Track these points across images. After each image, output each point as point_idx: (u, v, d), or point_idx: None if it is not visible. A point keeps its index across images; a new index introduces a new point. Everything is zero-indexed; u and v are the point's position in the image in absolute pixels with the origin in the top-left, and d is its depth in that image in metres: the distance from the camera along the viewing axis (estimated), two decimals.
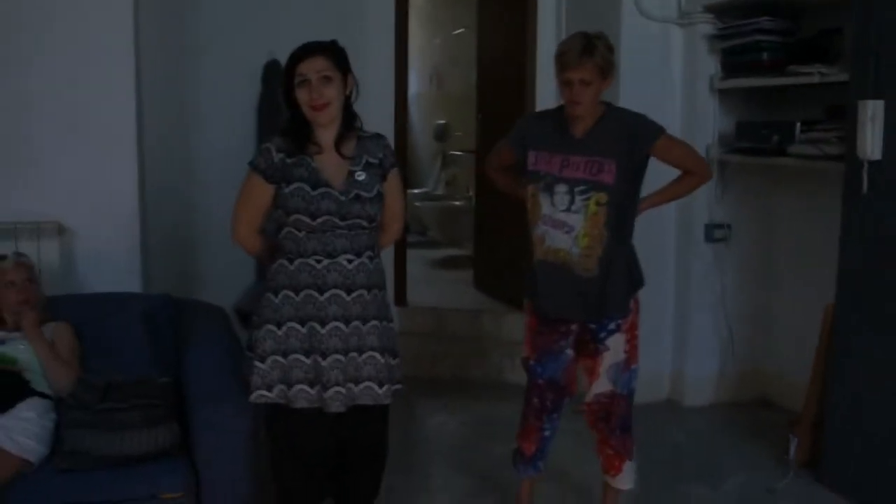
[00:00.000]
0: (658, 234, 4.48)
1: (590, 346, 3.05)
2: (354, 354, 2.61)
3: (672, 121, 4.44)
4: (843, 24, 3.81)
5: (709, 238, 4.55)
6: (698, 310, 4.60)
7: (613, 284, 2.93)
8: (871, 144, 3.31)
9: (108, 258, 3.70)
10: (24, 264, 3.18)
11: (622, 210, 2.90)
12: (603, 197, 2.86)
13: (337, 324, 2.58)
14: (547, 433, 3.20)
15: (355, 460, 2.79)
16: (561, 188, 2.91)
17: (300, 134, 2.61)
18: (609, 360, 3.03)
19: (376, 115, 4.91)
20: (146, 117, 3.89)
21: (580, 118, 2.88)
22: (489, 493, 3.58)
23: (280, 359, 2.60)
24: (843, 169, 3.52)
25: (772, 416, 4.46)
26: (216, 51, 4.59)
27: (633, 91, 4.30)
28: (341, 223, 2.56)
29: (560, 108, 3.00)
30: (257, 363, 2.61)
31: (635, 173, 2.93)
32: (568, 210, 2.90)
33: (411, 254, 6.18)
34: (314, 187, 2.55)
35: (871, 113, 3.31)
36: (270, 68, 4.66)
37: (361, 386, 2.62)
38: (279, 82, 4.48)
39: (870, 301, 3.45)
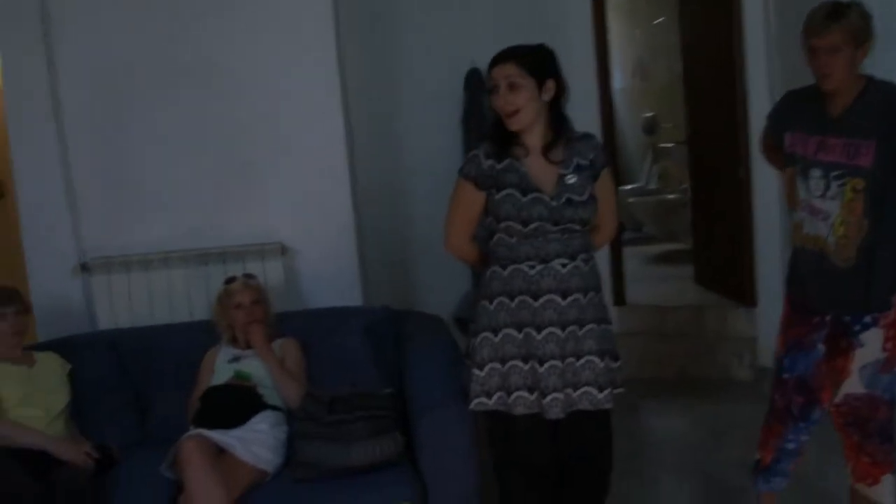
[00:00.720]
0: None
1: (842, 342, 2.73)
2: (572, 359, 2.55)
3: None
4: None
5: None
6: None
7: (875, 276, 2.63)
8: None
9: (329, 274, 3.82)
10: (251, 286, 3.33)
11: (884, 197, 2.58)
12: (860, 182, 2.56)
13: (553, 329, 2.53)
14: (791, 445, 2.89)
15: (577, 468, 2.71)
16: (816, 172, 2.65)
17: (505, 138, 2.58)
18: (863, 358, 2.69)
19: (581, 114, 4.88)
20: (355, 134, 4.00)
21: (836, 94, 2.60)
22: (721, 500, 3.42)
23: (498, 366, 2.58)
24: None
25: None
26: (418, 62, 4.67)
27: (885, 59, 3.97)
28: (553, 228, 2.51)
29: (814, 87, 2.68)
30: (475, 371, 2.59)
31: None
32: (823, 196, 2.65)
33: (627, 251, 6.04)
34: (525, 193, 2.51)
35: None
36: (472, 76, 4.69)
37: (580, 391, 2.55)
38: (482, 89, 4.58)
39: None
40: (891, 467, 2.78)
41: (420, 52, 4.66)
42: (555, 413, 2.54)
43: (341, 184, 3.83)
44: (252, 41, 3.72)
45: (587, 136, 2.65)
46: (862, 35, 2.53)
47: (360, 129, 4.10)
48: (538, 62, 2.57)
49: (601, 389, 2.56)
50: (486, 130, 2.69)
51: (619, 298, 5.25)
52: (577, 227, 2.54)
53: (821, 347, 2.78)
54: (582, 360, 2.56)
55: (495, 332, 2.58)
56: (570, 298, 2.53)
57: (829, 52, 2.51)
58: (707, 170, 5.52)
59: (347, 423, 2.78)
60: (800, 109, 2.75)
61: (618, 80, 9.25)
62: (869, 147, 2.54)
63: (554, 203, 2.50)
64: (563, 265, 2.53)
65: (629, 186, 8.16)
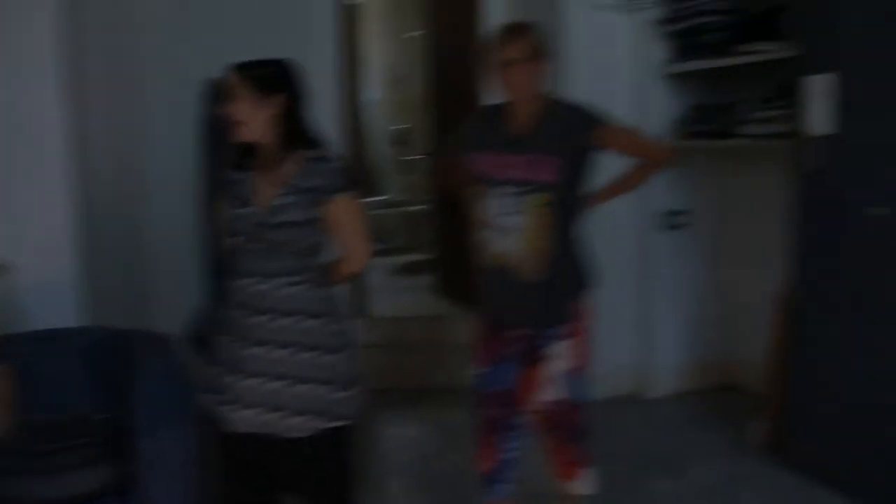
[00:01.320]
0: (617, 224, 4.40)
1: (534, 354, 2.89)
2: (278, 383, 2.49)
3: (624, 109, 4.35)
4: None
5: (668, 224, 4.48)
6: (659, 298, 4.55)
7: (556, 290, 2.80)
8: (819, 120, 3.25)
9: (50, 293, 3.56)
10: None
11: (568, 209, 2.77)
12: (545, 196, 2.71)
13: (259, 349, 2.49)
14: (507, 454, 2.97)
15: (298, 490, 2.65)
16: (503, 190, 2.76)
17: (247, 149, 2.55)
18: (554, 368, 2.88)
19: (327, 123, 4.88)
20: (88, 145, 3.77)
21: (519, 112, 2.75)
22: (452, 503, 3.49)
23: (217, 377, 2.57)
24: (794, 146, 3.46)
25: (737, 401, 4.44)
26: (158, 72, 4.47)
27: (583, 82, 4.23)
28: (262, 246, 2.47)
29: (499, 107, 2.83)
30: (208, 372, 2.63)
31: (579, 168, 2.78)
32: (510, 213, 2.75)
33: (373, 262, 6.06)
34: (240, 206, 2.50)
35: (819, 88, 3.25)
36: (212, 87, 4.55)
37: (278, 414, 2.49)
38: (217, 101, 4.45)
39: (824, 280, 3.39)
40: (587, 462, 3.02)
41: (160, 62, 4.47)
42: (246, 428, 2.50)
43: (64, 199, 3.58)
44: None
45: (323, 159, 2.52)
46: (543, 51, 2.71)
47: (93, 140, 3.86)
48: (266, 76, 2.51)
49: (302, 414, 2.49)
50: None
51: (362, 311, 5.26)
52: (285, 248, 2.48)
53: (516, 361, 2.91)
54: (283, 383, 2.49)
55: (219, 345, 2.60)
56: (280, 321, 2.48)
57: (516, 64, 2.66)
58: (451, 186, 5.64)
59: (56, 453, 2.60)
60: (485, 129, 2.89)
61: (373, 91, 9.34)
62: (552, 163, 2.69)
63: (263, 221, 2.45)
64: (276, 287, 2.48)
65: (378, 198, 8.26)
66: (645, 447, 3.99)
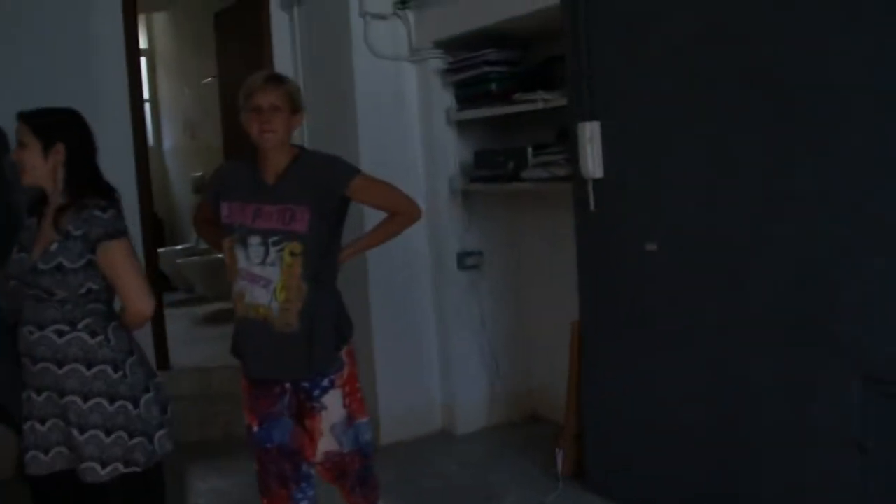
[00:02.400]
0: (413, 266, 4.54)
1: (307, 405, 2.83)
2: (69, 428, 2.57)
3: (413, 155, 4.54)
4: (565, 52, 4.00)
5: (462, 265, 4.64)
6: (459, 337, 4.68)
7: (318, 339, 2.75)
8: (592, 164, 3.48)
9: None
10: None
11: (320, 259, 2.75)
12: (297, 246, 2.69)
13: (44, 395, 2.59)
14: (304, 503, 2.92)
15: None
16: (255, 240, 2.73)
17: (36, 195, 2.66)
18: (329, 419, 2.85)
19: (117, 173, 4.75)
20: None
21: (271, 160, 2.74)
22: None
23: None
24: (572, 188, 3.68)
25: (542, 431, 4.60)
26: None
27: (371, 129, 4.36)
28: (29, 291, 2.55)
29: (253, 156, 2.82)
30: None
31: (332, 219, 2.78)
32: (263, 263, 2.72)
33: (177, 313, 5.96)
34: (20, 250, 2.60)
35: (590, 134, 3.48)
36: (2, 134, 4.35)
37: (73, 457, 2.60)
38: (5, 151, 4.27)
39: (606, 312, 3.62)
40: (374, 501, 3.05)
41: None
42: (44, 470, 2.61)
43: None
44: None
45: (97, 207, 2.55)
46: (297, 101, 2.77)
47: None
48: (48, 125, 2.60)
49: (89, 459, 2.56)
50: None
51: (163, 363, 5.13)
52: (57, 295, 2.52)
53: (288, 416, 2.84)
54: (72, 429, 2.56)
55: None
56: (54, 371, 2.55)
57: (271, 110, 2.68)
58: (201, 236, 5.61)
59: None
60: (235, 179, 2.85)
61: (169, 138, 9.15)
62: (303, 212, 2.69)
63: (31, 266, 2.53)
64: (46, 335, 2.54)
65: (179, 247, 8.07)
66: (458, 483, 4.08)
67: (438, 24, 4.46)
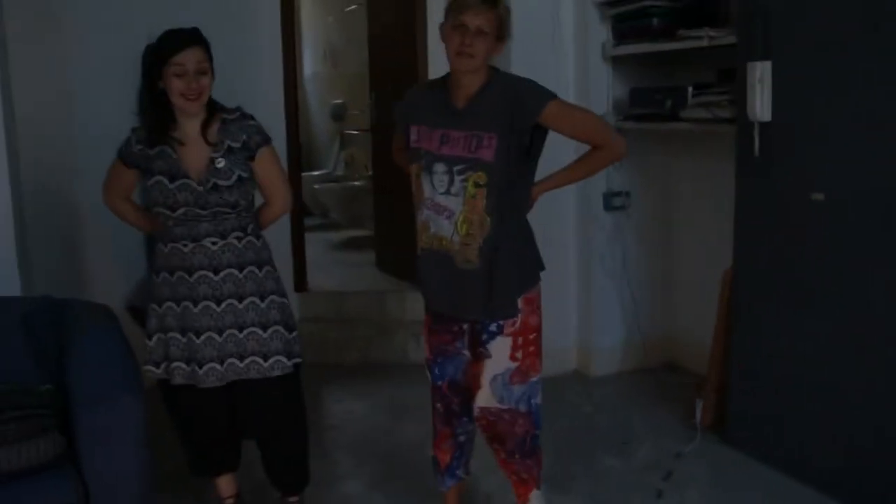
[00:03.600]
0: (557, 205, 4.44)
1: (477, 350, 2.68)
2: (234, 331, 2.70)
3: (565, 89, 4.42)
4: None
5: (608, 206, 4.54)
6: (601, 279, 4.59)
7: (497, 280, 2.56)
8: (760, 106, 3.31)
9: None
10: None
11: (507, 193, 2.54)
12: (482, 176, 2.50)
13: (207, 303, 2.69)
14: (461, 438, 2.87)
15: (263, 434, 2.90)
16: (440, 167, 2.56)
17: (162, 125, 2.67)
18: (492, 369, 2.64)
19: (267, 97, 4.82)
20: (17, 106, 3.67)
21: (464, 84, 2.54)
22: (400, 477, 3.50)
23: (162, 335, 2.78)
24: (735, 132, 3.53)
25: (679, 380, 4.51)
26: (92, 36, 4.35)
27: (525, 60, 4.23)
28: (202, 212, 2.63)
29: (444, 78, 2.64)
30: (146, 340, 2.80)
31: (522, 149, 2.53)
32: (447, 192, 2.56)
33: (312, 237, 6.06)
34: (172, 179, 2.64)
35: (760, 75, 3.31)
36: (150, 52, 4.45)
37: (247, 361, 2.71)
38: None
39: (765, 263, 3.47)
40: (537, 483, 2.80)
41: (95, 27, 4.35)
42: (211, 382, 2.71)
43: None
44: None
45: (241, 118, 2.73)
46: (505, 28, 2.54)
47: (25, 103, 3.76)
48: (209, 47, 2.69)
49: (266, 358, 2.71)
50: (143, 111, 2.72)
51: (301, 285, 5.23)
52: (228, 211, 2.65)
53: (466, 353, 2.75)
54: (245, 332, 2.71)
55: (159, 304, 2.78)
56: (222, 273, 2.68)
57: (476, 33, 2.46)
58: (386, 158, 5.63)
59: (1, 424, 2.54)
60: (424, 103, 2.68)
61: (309, 65, 9.24)
62: (490, 140, 2.49)
63: (200, 188, 2.61)
64: (214, 243, 2.67)
65: (316, 172, 8.19)
66: (593, 425, 4.04)
67: None
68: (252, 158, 2.70)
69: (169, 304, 2.75)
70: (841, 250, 3.13)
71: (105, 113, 4.38)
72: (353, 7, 7.83)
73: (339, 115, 8.55)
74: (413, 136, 2.67)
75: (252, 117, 2.77)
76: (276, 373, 2.74)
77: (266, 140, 2.74)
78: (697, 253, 4.51)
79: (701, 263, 4.41)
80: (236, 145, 2.68)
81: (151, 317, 2.79)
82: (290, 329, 2.80)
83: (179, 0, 4.42)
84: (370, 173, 6.69)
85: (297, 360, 2.82)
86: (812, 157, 3.21)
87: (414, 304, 5.11)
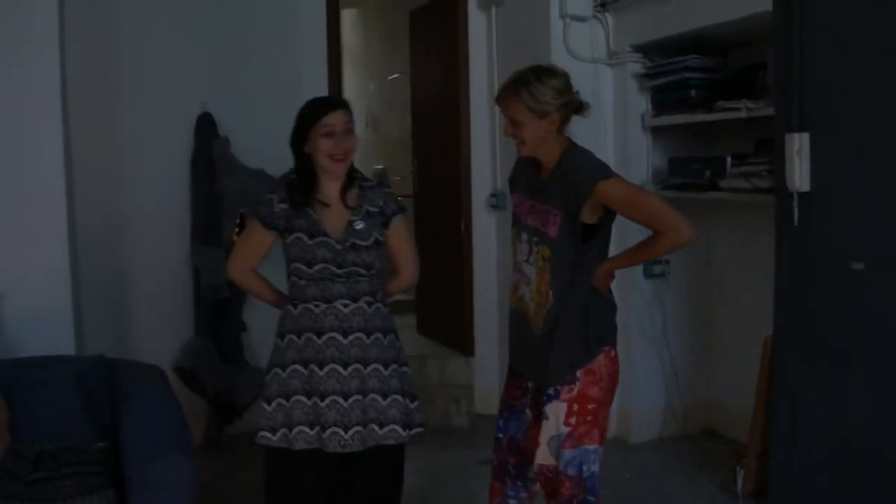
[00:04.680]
0: None
1: (537, 410, 2.79)
2: (359, 397, 2.66)
3: (606, 159, 4.39)
4: (767, 58, 3.90)
5: (647, 274, 4.59)
6: (641, 346, 4.63)
7: (555, 350, 2.66)
8: (799, 177, 3.35)
9: (39, 321, 3.59)
10: None
11: (568, 268, 2.62)
12: (546, 251, 2.63)
13: (334, 366, 2.65)
14: (512, 502, 2.92)
15: (361, 500, 2.81)
16: (524, 236, 2.73)
17: (308, 187, 2.70)
18: (548, 431, 2.71)
19: None
20: (75, 171, 3.82)
21: (542, 157, 2.68)
22: None
23: (283, 401, 2.68)
24: (774, 201, 3.57)
25: (719, 447, 4.49)
26: (147, 103, 4.52)
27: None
28: (338, 270, 2.64)
29: None
30: (264, 405, 2.70)
31: (583, 227, 2.58)
32: (527, 260, 2.72)
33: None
34: (312, 236, 2.66)
35: (798, 146, 3.35)
36: (203, 121, 4.62)
37: (367, 429, 2.66)
38: (213, 133, 4.51)
39: (805, 331, 3.48)
40: None
41: (150, 93, 4.52)
42: (333, 447, 2.64)
43: (57, 227, 3.64)
44: None
45: (379, 185, 2.82)
46: (544, 109, 2.59)
47: (81, 166, 3.92)
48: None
49: (382, 426, 2.67)
50: (288, 176, 2.78)
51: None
52: (362, 272, 2.66)
53: (528, 413, 2.85)
54: (367, 398, 2.67)
55: (283, 367, 2.70)
56: (351, 337, 2.66)
57: (513, 125, 2.64)
58: (431, 223, 5.74)
59: (54, 481, 2.62)
60: (524, 172, 2.83)
61: None
62: (556, 216, 2.61)
63: (339, 247, 2.63)
64: (346, 305, 2.65)
65: None
66: (634, 492, 4.03)
67: (637, 27, 4.43)
68: (387, 225, 2.74)
69: (295, 366, 2.68)
70: (882, 319, 3.14)
71: (153, 178, 4.56)
72: (396, 75, 8.01)
73: (379, 180, 8.66)
74: (514, 202, 2.86)
75: (389, 186, 2.88)
76: (391, 442, 2.69)
77: (402, 209, 2.80)
78: (737, 320, 4.53)
79: (740, 330, 4.43)
80: (374, 210, 2.72)
81: (272, 382, 2.70)
82: (411, 398, 2.77)
83: (233, 75, 4.64)
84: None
85: (418, 429, 2.77)
86: (851, 227, 3.24)
87: (455, 369, 5.17)
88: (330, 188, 2.72)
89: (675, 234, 2.59)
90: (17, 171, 3.57)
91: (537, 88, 2.61)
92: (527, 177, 2.80)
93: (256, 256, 2.82)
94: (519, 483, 2.90)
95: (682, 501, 3.87)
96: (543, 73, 2.67)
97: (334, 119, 2.65)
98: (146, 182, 4.56)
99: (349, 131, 2.68)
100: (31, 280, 3.60)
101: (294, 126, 2.70)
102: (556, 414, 2.70)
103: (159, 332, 4.49)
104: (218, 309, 4.54)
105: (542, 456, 2.75)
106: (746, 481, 3.82)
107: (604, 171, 2.61)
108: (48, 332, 3.58)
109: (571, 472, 2.71)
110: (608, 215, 2.64)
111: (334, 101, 2.76)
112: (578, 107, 2.73)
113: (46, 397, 3.08)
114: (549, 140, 2.65)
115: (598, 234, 2.65)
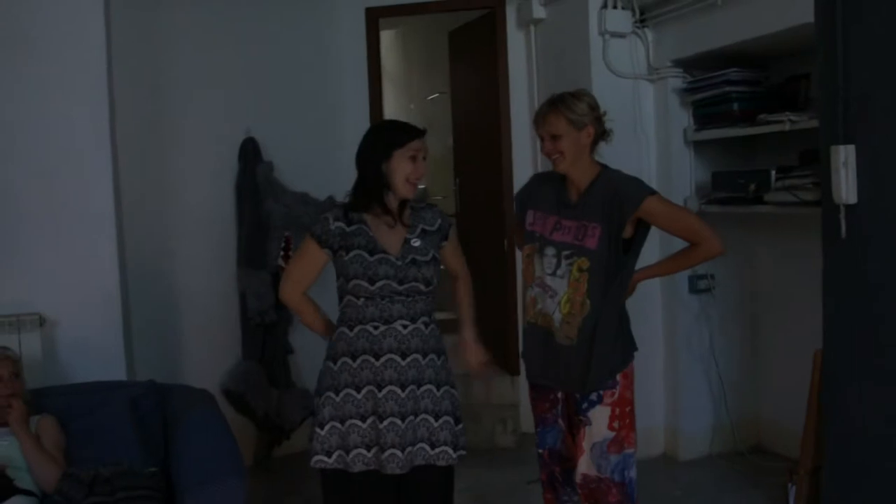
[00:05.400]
0: (643, 288, 4.36)
1: (575, 419, 2.89)
2: (411, 418, 2.67)
3: (648, 174, 4.50)
4: (809, 70, 3.87)
5: (693, 289, 4.56)
6: (688, 362, 4.59)
7: (596, 358, 2.80)
8: (846, 189, 3.31)
9: (92, 347, 3.67)
10: (10, 358, 3.15)
11: (607, 278, 2.79)
12: (585, 262, 2.78)
13: (393, 388, 2.67)
14: None
15: None
16: (550, 251, 2.86)
17: (367, 204, 2.73)
18: (592, 437, 2.84)
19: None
20: (123, 198, 3.89)
21: (572, 180, 2.87)
22: None
23: (338, 425, 2.69)
24: (821, 214, 3.53)
25: (769, 464, 4.43)
26: (192, 128, 4.59)
27: (607, 148, 4.30)
28: (399, 287, 2.67)
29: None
30: (317, 429, 2.71)
31: (621, 240, 2.79)
32: (554, 274, 2.84)
33: None
34: (372, 253, 2.69)
35: (844, 158, 3.31)
36: (247, 145, 4.68)
37: (416, 447, 2.68)
38: (257, 158, 4.57)
39: (856, 345, 3.43)
40: None
41: (195, 119, 4.59)
42: (392, 468, 2.65)
43: (108, 253, 3.72)
44: (22, 98, 3.60)
45: (430, 206, 2.91)
46: (580, 120, 2.81)
47: (129, 193, 4.00)
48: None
49: (433, 446, 2.69)
50: (333, 199, 2.85)
51: None
52: (422, 288, 2.70)
53: (561, 423, 2.96)
54: (419, 418, 2.68)
55: (337, 391, 2.70)
56: (409, 358, 2.68)
57: (551, 138, 2.80)
58: (474, 242, 5.74)
59: None
60: (543, 190, 2.99)
61: None
62: (595, 230, 2.78)
63: (399, 262, 2.68)
64: (405, 326, 2.68)
65: None
66: None
67: (677, 42, 4.42)
68: (446, 238, 2.84)
69: (348, 390, 2.69)
70: None
71: (199, 204, 4.62)
72: (436, 95, 8.06)
73: (421, 200, 8.70)
74: (529, 219, 2.98)
75: (438, 206, 2.96)
76: (441, 463, 2.71)
77: (452, 222, 2.90)
78: (784, 334, 4.49)
79: (788, 345, 4.39)
80: (431, 228, 2.80)
81: (325, 405, 2.70)
82: (458, 421, 2.78)
83: (275, 99, 4.70)
84: None
85: (462, 452, 2.77)
86: None
87: (500, 389, 5.16)
88: (391, 208, 2.76)
89: (711, 245, 2.89)
90: (67, 198, 3.65)
91: (574, 103, 2.83)
92: (549, 195, 2.95)
93: (309, 277, 2.82)
94: (569, 489, 3.01)
95: None
96: (576, 92, 2.89)
97: (420, 144, 2.73)
98: (192, 207, 4.62)
99: (425, 158, 2.77)
100: (83, 306, 3.67)
101: (374, 143, 2.74)
102: (599, 419, 2.82)
103: (207, 357, 4.54)
104: (264, 332, 4.59)
105: (585, 465, 2.85)
106: (798, 499, 3.75)
107: (649, 188, 2.83)
108: (100, 358, 3.65)
109: (617, 478, 2.83)
110: (641, 229, 2.83)
111: (418, 128, 2.79)
112: (604, 132, 2.92)
113: (100, 422, 3.15)
114: (584, 156, 2.84)
115: (632, 246, 2.84)
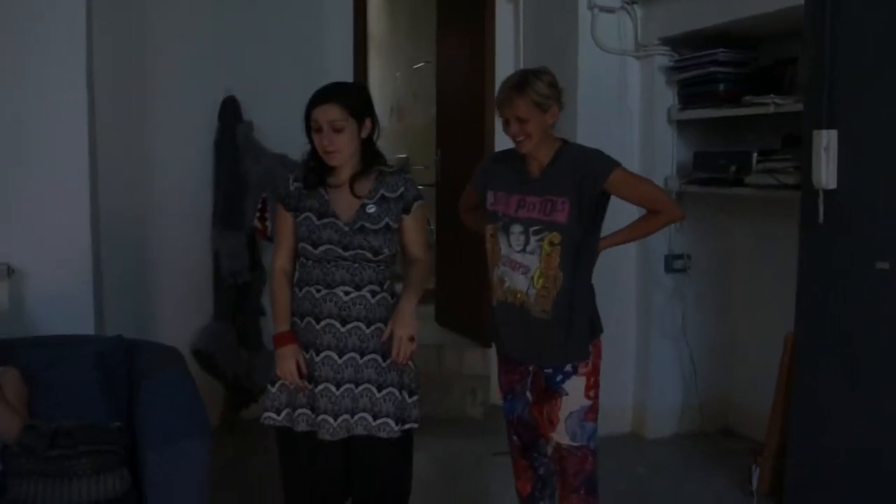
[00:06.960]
0: (618, 266, 4.47)
1: (549, 390, 2.89)
2: (351, 386, 2.64)
3: (630, 152, 4.48)
4: (797, 54, 3.85)
5: (668, 268, 4.56)
6: (659, 340, 4.60)
7: (574, 329, 2.83)
8: (825, 174, 3.31)
9: (61, 300, 3.61)
10: None
11: (578, 250, 2.82)
12: (556, 237, 2.78)
13: (330, 353, 2.65)
14: (541, 471, 3.08)
15: (362, 494, 2.79)
16: (516, 228, 2.84)
17: (319, 169, 2.70)
18: (568, 407, 2.86)
19: None
20: (99, 152, 3.83)
21: (532, 157, 2.84)
22: None
23: (286, 384, 2.70)
24: (800, 198, 3.53)
25: (735, 445, 4.47)
26: (172, 86, 4.53)
27: (591, 123, 4.33)
28: (344, 253, 2.62)
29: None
30: (269, 386, 2.75)
31: (590, 211, 2.82)
32: (523, 251, 2.83)
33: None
34: (320, 217, 2.66)
35: (826, 143, 3.31)
36: (227, 105, 4.61)
37: (356, 417, 2.64)
38: (237, 117, 4.52)
39: (828, 330, 3.44)
40: None
41: (175, 76, 4.53)
42: (323, 434, 2.63)
43: (80, 204, 3.64)
44: None
45: (400, 171, 2.79)
46: (545, 101, 2.76)
47: (105, 148, 3.93)
48: (358, 102, 2.69)
49: (375, 417, 2.64)
50: (308, 159, 2.76)
51: None
52: (369, 256, 2.63)
53: (529, 395, 2.98)
54: (360, 388, 2.65)
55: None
56: (349, 325, 2.64)
57: (517, 120, 2.75)
58: (451, 213, 5.70)
59: (70, 459, 2.62)
60: (502, 170, 2.96)
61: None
62: (563, 204, 2.78)
63: (346, 228, 2.62)
64: (346, 293, 2.63)
65: None
66: (644, 488, 4.02)
67: (666, 20, 4.39)
68: (407, 211, 2.71)
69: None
70: None
71: (176, 162, 4.57)
72: (421, 64, 8.00)
73: (401, 167, 8.65)
74: (490, 200, 2.94)
75: (409, 172, 2.87)
76: (383, 435, 2.65)
77: (421, 196, 2.76)
78: (757, 316, 4.50)
79: (760, 327, 4.40)
80: (392, 195, 2.68)
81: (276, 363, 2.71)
82: (410, 393, 2.72)
83: (257, 59, 4.64)
84: (432, 227, 6.76)
85: (412, 425, 2.72)
86: (878, 226, 3.20)
87: (472, 360, 5.16)
88: (343, 173, 2.70)
89: (672, 212, 2.99)
90: (41, 152, 3.57)
91: (538, 85, 2.78)
92: (509, 174, 2.92)
93: (287, 241, 2.76)
94: (535, 454, 3.06)
95: (696, 498, 3.85)
96: (536, 72, 2.82)
97: (320, 114, 2.61)
98: (169, 165, 4.57)
99: (336, 129, 2.61)
100: (53, 260, 3.61)
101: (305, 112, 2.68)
102: (576, 389, 2.85)
103: (178, 315, 4.51)
104: (237, 293, 4.56)
105: (560, 435, 2.88)
106: (762, 480, 3.79)
107: (614, 160, 2.85)
108: (68, 312, 3.60)
109: (592, 445, 2.89)
110: (603, 200, 2.84)
111: (322, 94, 2.65)
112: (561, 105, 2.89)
113: (65, 375, 3.10)
114: (543, 136, 2.82)
115: (598, 216, 2.88)
